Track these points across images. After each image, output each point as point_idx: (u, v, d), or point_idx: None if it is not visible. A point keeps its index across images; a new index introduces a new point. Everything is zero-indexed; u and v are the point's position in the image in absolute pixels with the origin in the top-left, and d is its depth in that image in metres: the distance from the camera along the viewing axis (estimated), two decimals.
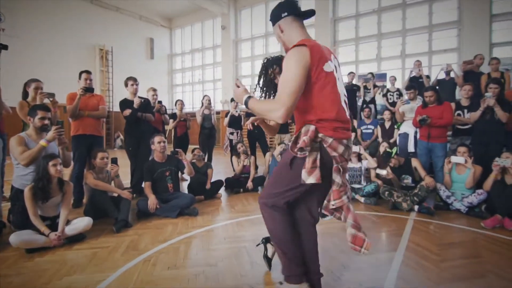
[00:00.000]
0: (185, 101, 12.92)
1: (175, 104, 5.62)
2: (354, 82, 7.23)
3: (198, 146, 5.63)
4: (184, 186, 4.65)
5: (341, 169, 1.54)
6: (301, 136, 1.51)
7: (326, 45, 9.45)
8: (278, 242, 1.68)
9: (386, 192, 3.67)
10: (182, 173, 3.92)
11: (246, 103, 1.55)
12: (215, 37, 11.69)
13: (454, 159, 3.62)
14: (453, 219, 3.30)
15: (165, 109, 5.34)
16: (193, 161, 4.53)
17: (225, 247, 2.63)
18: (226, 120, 5.78)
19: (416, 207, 3.54)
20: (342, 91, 1.58)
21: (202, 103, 5.82)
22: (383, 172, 3.84)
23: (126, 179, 4.43)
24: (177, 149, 3.78)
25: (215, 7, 10.87)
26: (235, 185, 4.63)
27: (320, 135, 1.50)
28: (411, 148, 4.37)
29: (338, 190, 1.53)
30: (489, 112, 3.76)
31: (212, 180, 4.55)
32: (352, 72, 7.21)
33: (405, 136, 4.41)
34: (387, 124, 5.30)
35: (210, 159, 5.70)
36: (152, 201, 3.38)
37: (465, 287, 1.95)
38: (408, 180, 3.88)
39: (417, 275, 2.12)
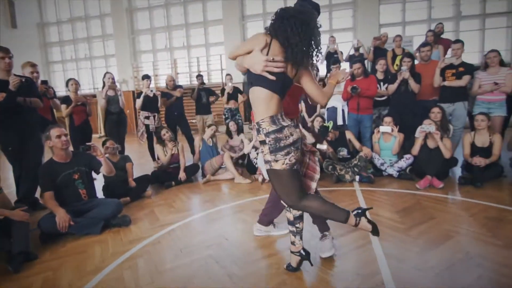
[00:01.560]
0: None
1: (67, 85, 4.34)
2: None
3: (107, 137, 4.59)
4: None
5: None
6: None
7: (237, 42, 8.87)
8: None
9: (330, 166, 3.68)
10: (97, 172, 3.03)
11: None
12: (102, 4, 9.74)
13: (382, 128, 3.87)
14: (389, 184, 3.54)
15: (54, 92, 4.06)
16: (106, 155, 3.59)
17: (186, 262, 2.09)
18: (139, 102, 4.84)
19: (357, 177, 3.66)
20: None
21: (104, 83, 4.69)
22: (323, 147, 3.82)
23: (9, 189, 3.22)
24: (89, 144, 2.86)
25: None
26: (165, 178, 3.93)
27: None
28: (340, 121, 4.52)
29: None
30: (404, 84, 4.12)
31: (135, 176, 3.75)
32: None
33: (333, 110, 4.53)
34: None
35: (122, 150, 4.71)
36: (61, 216, 2.47)
37: (446, 252, 2.01)
38: (344, 152, 3.99)
39: (399, 249, 2.10)
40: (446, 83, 3.92)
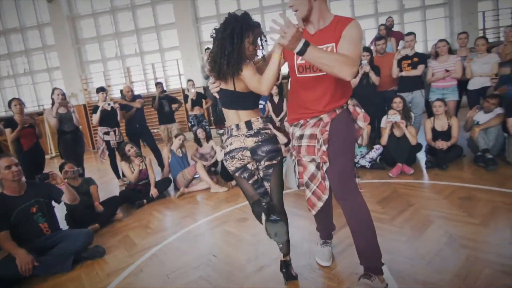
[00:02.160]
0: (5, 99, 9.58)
1: (9, 106, 3.85)
2: None
3: (62, 158, 4.19)
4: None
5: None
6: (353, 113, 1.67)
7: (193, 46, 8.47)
8: (369, 232, 1.60)
9: None
10: (58, 202, 2.72)
11: (302, 52, 1.31)
12: (40, 13, 8.86)
13: None
14: (364, 175, 3.63)
15: None
16: (65, 180, 3.25)
17: None
18: (96, 117, 4.46)
19: None
20: None
21: (53, 100, 4.25)
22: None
23: None
24: (47, 172, 2.54)
25: None
26: (135, 197, 3.66)
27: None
28: None
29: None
30: (365, 77, 4.26)
31: (101, 199, 3.44)
32: None
33: None
34: (276, 99, 5.37)
35: (83, 172, 4.32)
36: (22, 258, 2.17)
37: (432, 238, 2.09)
38: None
39: (388, 241, 2.13)
40: (403, 74, 4.12)
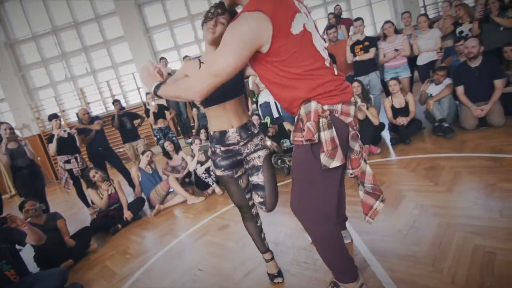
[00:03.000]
0: None
1: None
2: None
3: (20, 196, 3.90)
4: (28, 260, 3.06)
5: (358, 134, 1.36)
6: (304, 121, 1.24)
7: (147, 56, 8.14)
8: (334, 254, 1.47)
9: (279, 161, 3.71)
10: (23, 245, 2.51)
11: (155, 93, 1.29)
12: None
13: None
14: None
15: None
16: (27, 220, 3.02)
17: None
18: (53, 146, 4.19)
19: None
20: (321, 44, 1.26)
21: (0, 136, 3.93)
22: (267, 143, 3.83)
23: None
24: (4, 216, 2.34)
25: None
26: (108, 223, 3.47)
27: (325, 107, 1.23)
28: (275, 114, 4.58)
29: (357, 157, 1.39)
30: None
31: (71, 232, 3.24)
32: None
33: (266, 105, 4.56)
34: None
35: (46, 208, 4.03)
36: None
37: (405, 212, 2.17)
38: (287, 143, 4.06)
39: (365, 222, 2.19)
40: (357, 58, 4.26)
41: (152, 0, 8.17)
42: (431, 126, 3.75)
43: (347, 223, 2.07)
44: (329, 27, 4.58)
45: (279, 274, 1.85)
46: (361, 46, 4.24)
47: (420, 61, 4.23)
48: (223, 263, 2.21)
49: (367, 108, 3.72)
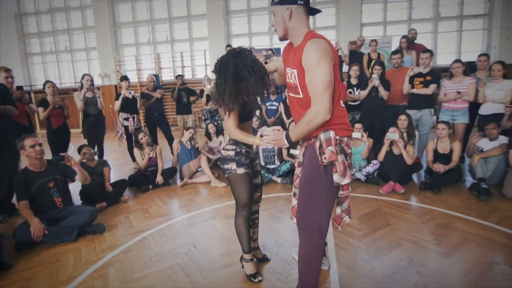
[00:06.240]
0: (50, 75, 10.43)
1: (44, 87, 4.33)
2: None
3: (85, 137, 4.66)
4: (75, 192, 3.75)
5: (352, 163, 1.66)
6: (324, 145, 1.52)
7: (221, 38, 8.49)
8: (312, 265, 1.66)
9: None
10: (72, 181, 3.12)
11: (290, 143, 1.59)
12: None
13: (353, 134, 4.03)
14: (357, 188, 3.72)
15: (29, 97, 4.05)
16: (83, 161, 3.67)
17: (154, 271, 2.24)
18: (118, 104, 4.87)
19: None
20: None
21: (82, 84, 4.69)
22: (296, 152, 3.98)
23: None
24: (62, 154, 2.93)
25: None
26: (142, 182, 4.03)
27: (337, 137, 1.55)
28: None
29: (348, 184, 1.63)
30: (374, 91, 4.27)
31: (113, 179, 3.84)
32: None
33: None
34: None
35: (101, 153, 4.77)
36: (35, 226, 2.57)
37: (393, 260, 2.21)
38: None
39: (351, 256, 2.29)
40: (414, 91, 4.10)
41: None
42: (471, 182, 3.53)
43: (330, 250, 2.20)
44: (394, 52, 4.44)
45: (258, 273, 2.09)
46: (422, 79, 4.06)
47: (483, 111, 3.90)
48: (214, 248, 2.51)
49: (405, 146, 3.63)
